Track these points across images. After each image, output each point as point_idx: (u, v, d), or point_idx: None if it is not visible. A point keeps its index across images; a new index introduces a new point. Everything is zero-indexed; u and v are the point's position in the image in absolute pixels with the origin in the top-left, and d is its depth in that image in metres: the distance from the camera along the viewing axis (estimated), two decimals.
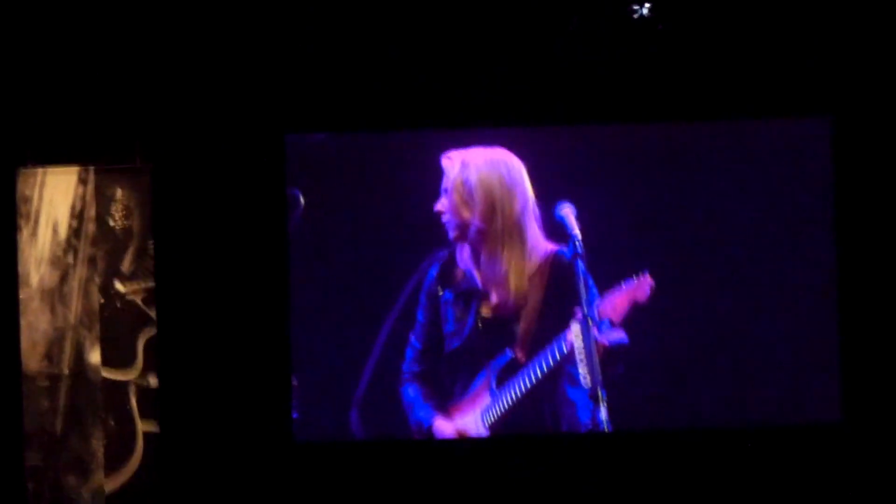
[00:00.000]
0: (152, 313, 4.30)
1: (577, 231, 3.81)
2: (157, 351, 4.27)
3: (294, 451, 4.31)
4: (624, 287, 4.04)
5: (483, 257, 4.15)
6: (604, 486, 4.26)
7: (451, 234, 4.19)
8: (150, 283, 4.30)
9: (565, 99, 4.29)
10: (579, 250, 3.70)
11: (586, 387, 3.62)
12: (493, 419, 4.17)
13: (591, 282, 4.01)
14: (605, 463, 4.30)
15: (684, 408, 4.34)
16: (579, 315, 3.71)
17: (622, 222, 4.28)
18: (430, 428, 4.25)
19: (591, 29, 4.17)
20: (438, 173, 4.20)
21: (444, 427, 4.23)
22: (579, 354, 3.76)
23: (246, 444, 4.27)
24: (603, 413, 3.40)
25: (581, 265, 3.68)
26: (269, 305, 4.30)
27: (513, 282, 4.13)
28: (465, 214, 4.10)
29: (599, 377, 3.54)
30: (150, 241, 4.31)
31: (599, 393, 3.43)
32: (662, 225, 4.32)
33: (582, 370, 3.73)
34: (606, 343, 3.96)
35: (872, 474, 4.22)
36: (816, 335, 4.32)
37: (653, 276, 4.12)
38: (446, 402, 4.27)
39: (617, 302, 4.01)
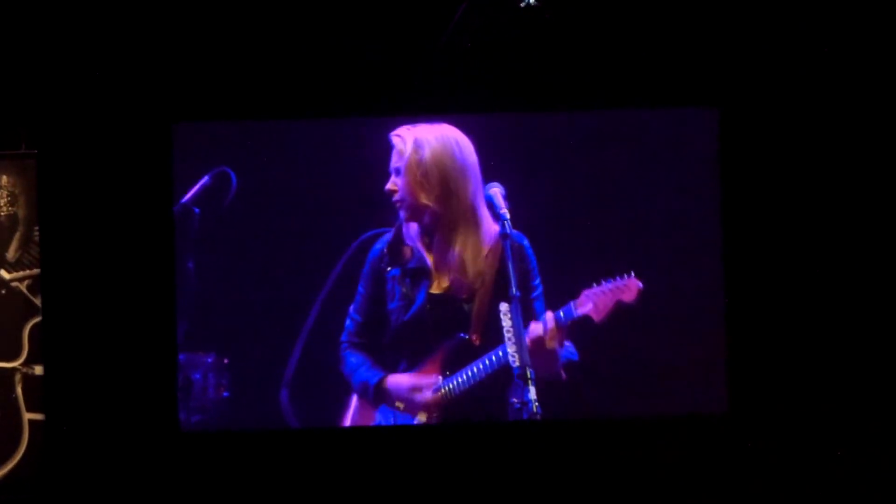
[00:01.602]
0: (38, 301, 4.27)
1: (505, 210, 3.76)
2: (43, 340, 4.24)
3: (180, 440, 4.28)
4: (607, 286, 4.01)
5: (437, 238, 4.09)
6: (508, 474, 4.29)
7: (404, 214, 4.10)
8: (36, 271, 4.27)
9: (444, 89, 4.28)
10: (508, 230, 3.68)
11: (515, 366, 3.66)
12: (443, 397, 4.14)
13: (533, 263, 4.07)
14: (513, 451, 4.33)
15: (579, 400, 4.31)
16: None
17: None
18: (378, 384, 4.17)
19: (476, 17, 4.14)
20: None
21: (399, 380, 4.16)
22: (508, 334, 3.81)
23: (133, 433, 4.23)
24: (532, 393, 3.39)
25: (509, 245, 3.66)
26: (155, 293, 4.26)
27: (469, 265, 4.08)
28: (422, 198, 4.02)
29: (528, 357, 3.56)
30: (36, 229, 4.28)
31: (528, 372, 3.44)
32: (553, 213, 4.30)
33: (511, 349, 3.79)
34: (556, 345, 3.99)
35: (757, 461, 4.30)
36: (705, 329, 4.34)
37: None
38: (393, 371, 4.21)
39: (599, 300, 3.99)
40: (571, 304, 4.00)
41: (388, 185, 4.07)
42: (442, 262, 4.12)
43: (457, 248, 4.08)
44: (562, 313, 4.00)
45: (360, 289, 4.23)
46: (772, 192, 4.29)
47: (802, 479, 4.25)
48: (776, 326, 4.28)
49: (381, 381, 4.16)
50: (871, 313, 4.27)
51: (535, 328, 3.94)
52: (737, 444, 4.30)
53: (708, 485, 4.28)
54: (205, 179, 4.33)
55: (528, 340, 3.79)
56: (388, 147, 4.12)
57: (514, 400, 3.79)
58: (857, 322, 4.27)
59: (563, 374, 4.08)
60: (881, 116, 4.26)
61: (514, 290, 3.61)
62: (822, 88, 4.26)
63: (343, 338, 4.26)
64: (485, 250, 4.09)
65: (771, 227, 4.29)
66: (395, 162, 4.06)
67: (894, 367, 4.26)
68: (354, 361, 4.22)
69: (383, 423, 4.20)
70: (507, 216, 3.73)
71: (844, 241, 4.28)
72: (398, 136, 4.05)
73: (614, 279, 4.01)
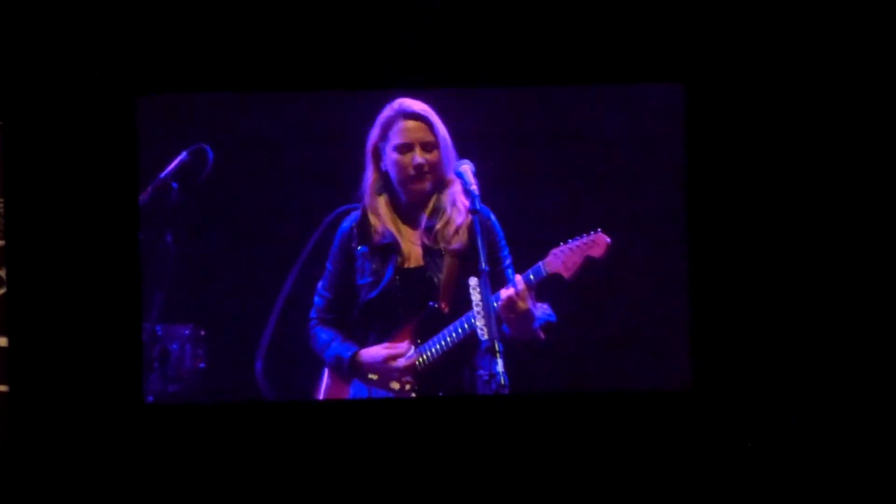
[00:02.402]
0: (2, 273, 4.26)
1: (475, 187, 3.82)
2: (7, 311, 4.23)
3: (145, 412, 4.30)
4: (574, 243, 4.04)
5: (410, 215, 4.16)
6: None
7: (430, 187, 4.11)
8: (1, 243, 4.26)
9: (417, 63, 4.29)
10: (478, 205, 3.76)
11: (483, 339, 3.70)
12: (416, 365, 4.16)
13: (500, 235, 4.12)
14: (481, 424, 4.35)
15: (543, 372, 4.34)
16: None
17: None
18: (353, 357, 4.17)
19: None
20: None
21: (373, 352, 4.17)
22: (477, 307, 3.83)
23: (98, 405, 4.24)
24: (500, 365, 3.45)
25: (478, 220, 3.73)
26: (120, 265, 4.27)
27: (440, 240, 4.13)
28: (447, 171, 4.08)
29: (496, 331, 3.61)
30: (0, 200, 4.26)
31: (496, 346, 3.50)
32: (519, 186, 4.34)
33: (479, 323, 3.79)
34: (529, 306, 4.00)
35: (721, 436, 4.32)
36: (669, 305, 4.37)
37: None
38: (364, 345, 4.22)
39: (567, 258, 4.01)
40: (540, 264, 4.03)
41: (419, 160, 4.05)
42: (413, 238, 4.15)
43: (429, 224, 4.11)
44: (531, 275, 4.02)
45: (329, 266, 4.25)
46: (737, 164, 4.30)
47: (767, 456, 4.28)
48: (741, 297, 4.31)
49: (355, 354, 4.17)
50: (839, 283, 4.28)
51: (506, 292, 3.96)
52: (702, 419, 4.34)
53: (677, 460, 4.32)
54: (182, 155, 4.34)
55: (499, 306, 3.88)
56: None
57: (483, 372, 3.92)
58: (824, 293, 4.28)
59: (542, 335, 4.11)
60: (850, 89, 4.26)
61: (483, 264, 3.65)
62: (790, 62, 4.28)
63: (312, 314, 4.28)
64: (454, 226, 4.11)
65: (736, 201, 4.31)
66: (424, 136, 4.07)
67: (863, 340, 4.28)
68: (325, 337, 4.23)
69: (357, 396, 4.21)
70: (478, 192, 3.80)
71: (811, 211, 4.29)
72: (425, 109, 4.08)
73: (580, 236, 4.04)
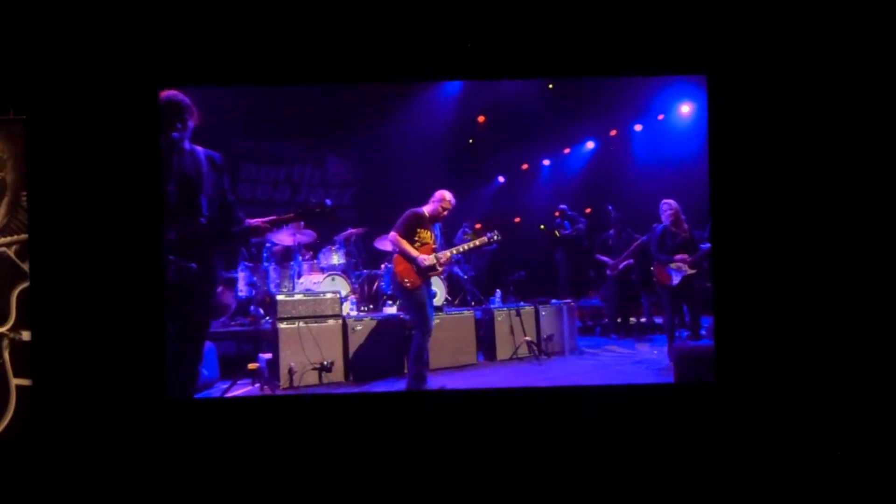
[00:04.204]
0: (26, 267, 4.26)
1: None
2: (31, 305, 4.23)
3: (165, 406, 4.29)
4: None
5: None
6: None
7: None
8: (24, 237, 4.27)
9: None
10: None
11: None
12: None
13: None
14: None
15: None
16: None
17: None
18: None
19: None
20: None
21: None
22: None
23: (118, 398, 4.23)
24: None
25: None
26: (143, 260, 4.26)
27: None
28: None
29: None
30: (24, 194, 4.27)
31: None
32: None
33: None
34: None
35: (743, 429, 4.29)
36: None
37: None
38: None
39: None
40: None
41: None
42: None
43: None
44: None
45: None
46: (759, 155, 4.29)
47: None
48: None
49: None
50: (854, 284, 4.26)
51: None
52: (724, 411, 4.31)
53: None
54: None
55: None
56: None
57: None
58: (844, 291, 4.26)
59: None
60: (864, 85, 4.25)
61: None
62: (809, 57, 4.26)
63: None
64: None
65: (759, 196, 4.30)
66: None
67: (870, 336, 4.25)
68: None
69: None
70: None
71: (829, 210, 4.27)
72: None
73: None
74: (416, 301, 5.46)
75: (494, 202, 8.79)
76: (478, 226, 7.96)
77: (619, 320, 7.50)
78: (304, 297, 5.85)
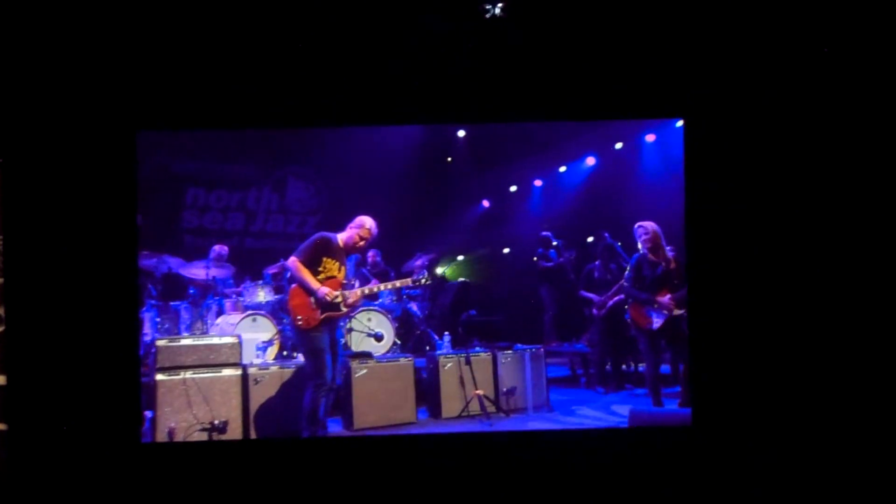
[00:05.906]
0: (1, 311, 4.23)
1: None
2: (6, 349, 4.18)
3: (141, 451, 4.27)
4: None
5: None
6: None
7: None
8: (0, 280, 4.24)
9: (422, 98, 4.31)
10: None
11: None
12: None
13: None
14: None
15: None
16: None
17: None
18: None
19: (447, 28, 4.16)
20: None
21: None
22: None
23: (94, 443, 4.21)
24: None
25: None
26: (118, 304, 4.24)
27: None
28: None
29: None
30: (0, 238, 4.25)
31: None
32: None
33: None
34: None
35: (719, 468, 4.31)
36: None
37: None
38: None
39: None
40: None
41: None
42: None
43: None
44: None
45: None
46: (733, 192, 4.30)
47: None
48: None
49: None
50: (834, 315, 4.28)
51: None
52: (701, 453, 4.32)
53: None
54: None
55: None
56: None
57: None
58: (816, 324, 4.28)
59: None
60: (841, 121, 4.27)
61: None
62: (786, 100, 4.29)
63: None
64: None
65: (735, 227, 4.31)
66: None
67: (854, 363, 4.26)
68: None
69: None
70: None
71: (807, 238, 4.28)
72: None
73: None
74: (311, 344, 4.80)
75: (477, 230, 8.20)
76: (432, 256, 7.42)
77: (607, 369, 6.42)
78: (193, 342, 5.08)
